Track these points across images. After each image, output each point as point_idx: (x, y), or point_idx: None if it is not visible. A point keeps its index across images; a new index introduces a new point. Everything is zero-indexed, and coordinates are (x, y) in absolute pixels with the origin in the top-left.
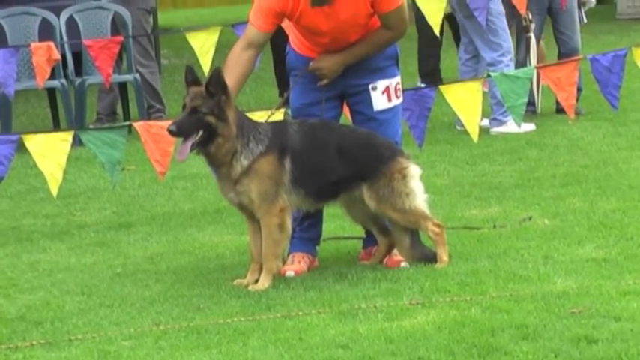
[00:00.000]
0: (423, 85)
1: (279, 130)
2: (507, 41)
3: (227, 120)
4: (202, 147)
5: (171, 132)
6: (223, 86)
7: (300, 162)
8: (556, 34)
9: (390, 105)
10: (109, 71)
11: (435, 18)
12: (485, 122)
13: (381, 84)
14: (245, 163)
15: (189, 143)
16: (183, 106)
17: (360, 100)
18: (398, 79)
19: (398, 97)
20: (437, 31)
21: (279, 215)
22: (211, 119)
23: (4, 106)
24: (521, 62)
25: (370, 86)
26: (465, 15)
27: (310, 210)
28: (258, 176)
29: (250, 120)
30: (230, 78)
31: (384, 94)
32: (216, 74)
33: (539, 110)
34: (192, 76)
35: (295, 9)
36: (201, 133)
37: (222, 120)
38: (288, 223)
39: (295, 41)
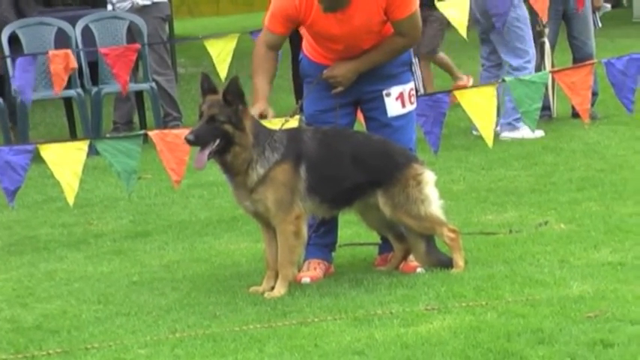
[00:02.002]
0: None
1: (294, 138)
2: (532, 47)
3: (244, 129)
4: (219, 155)
5: (189, 141)
6: (240, 95)
7: (316, 169)
8: (570, 39)
9: (404, 111)
10: (126, 79)
11: (460, 22)
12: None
13: (395, 90)
14: (261, 171)
15: (207, 152)
16: (201, 115)
17: (374, 106)
18: (412, 85)
19: (412, 103)
20: (464, 34)
21: (294, 222)
22: (229, 128)
23: (22, 115)
24: (535, 67)
25: (384, 92)
26: (491, 24)
27: (325, 217)
28: (274, 184)
29: (265, 127)
30: (262, 79)
31: (397, 100)
32: (234, 83)
33: (555, 115)
34: (208, 84)
35: (308, 15)
36: (218, 141)
37: (240, 129)
38: (304, 231)
39: (309, 48)
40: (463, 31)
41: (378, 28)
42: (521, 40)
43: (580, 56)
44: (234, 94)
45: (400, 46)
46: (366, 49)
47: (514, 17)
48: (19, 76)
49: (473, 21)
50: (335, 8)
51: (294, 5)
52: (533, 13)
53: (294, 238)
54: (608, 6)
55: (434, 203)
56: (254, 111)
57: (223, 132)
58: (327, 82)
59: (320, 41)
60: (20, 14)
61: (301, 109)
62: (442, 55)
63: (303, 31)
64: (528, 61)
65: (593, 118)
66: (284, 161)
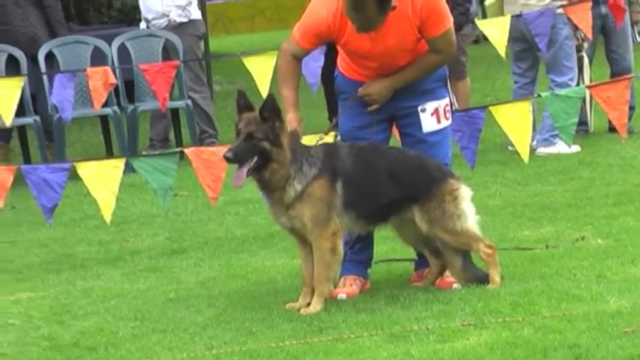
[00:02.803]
0: None
1: (331, 153)
2: (575, 64)
3: (282, 145)
4: (257, 173)
5: (227, 159)
6: (277, 111)
7: (352, 185)
8: (608, 53)
9: (440, 127)
10: (165, 95)
11: (500, 41)
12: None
13: (430, 106)
14: (299, 187)
15: (245, 169)
16: (238, 132)
17: (409, 122)
18: (447, 100)
19: (447, 118)
20: (502, 53)
21: (331, 239)
22: (266, 145)
23: (59, 133)
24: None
25: (419, 108)
26: (534, 44)
27: (361, 232)
28: (311, 200)
29: (301, 144)
30: (289, 88)
31: (433, 116)
32: (271, 100)
33: (591, 129)
34: (244, 102)
35: (342, 33)
36: (256, 159)
37: (277, 145)
38: (341, 247)
39: (344, 65)
40: (502, 50)
41: (413, 46)
42: (569, 58)
43: (618, 70)
44: (271, 111)
45: (435, 63)
46: (401, 66)
47: (564, 35)
48: (58, 93)
49: (513, 40)
50: (368, 29)
51: (327, 24)
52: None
53: (330, 255)
54: None
55: (470, 218)
56: (287, 120)
57: (261, 149)
58: (362, 99)
59: (355, 59)
60: (51, 32)
61: (336, 126)
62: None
63: (339, 47)
64: (572, 79)
65: (630, 132)
66: (321, 177)
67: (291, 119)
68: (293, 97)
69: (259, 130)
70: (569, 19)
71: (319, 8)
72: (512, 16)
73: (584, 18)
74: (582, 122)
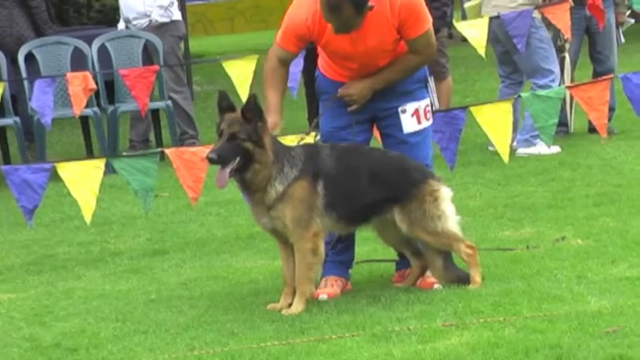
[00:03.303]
0: None
1: (312, 154)
2: (557, 67)
3: (264, 146)
4: (239, 173)
5: (211, 159)
6: (260, 112)
7: (333, 186)
8: (593, 53)
9: (420, 127)
10: (145, 100)
11: (479, 42)
12: (514, 143)
13: (411, 107)
14: (280, 188)
15: (228, 170)
16: (220, 133)
17: (390, 123)
18: (427, 101)
19: (428, 119)
20: (482, 53)
21: (312, 240)
22: (249, 145)
23: (39, 135)
24: None
25: (400, 109)
26: (513, 46)
27: (342, 233)
28: (293, 201)
29: (283, 144)
30: (273, 92)
31: (413, 117)
32: (253, 100)
33: (572, 130)
34: (226, 102)
35: (321, 35)
36: (238, 159)
37: (260, 146)
38: (322, 248)
39: (324, 66)
40: (482, 51)
41: (393, 47)
42: (546, 61)
43: (601, 70)
44: (253, 112)
45: (415, 64)
46: (382, 67)
47: (537, 38)
48: (38, 98)
49: (491, 40)
50: (347, 30)
51: (306, 25)
52: (555, 29)
53: (311, 256)
54: (632, 21)
55: (450, 219)
56: (269, 122)
57: (244, 150)
58: (343, 99)
59: (335, 59)
60: (38, 32)
61: (317, 127)
62: (449, 82)
63: (319, 48)
64: (553, 80)
65: (610, 133)
66: (302, 178)
67: (269, 124)
68: (276, 101)
69: (242, 131)
70: (547, 20)
71: (299, 9)
72: (491, 18)
73: (562, 18)
74: (562, 123)
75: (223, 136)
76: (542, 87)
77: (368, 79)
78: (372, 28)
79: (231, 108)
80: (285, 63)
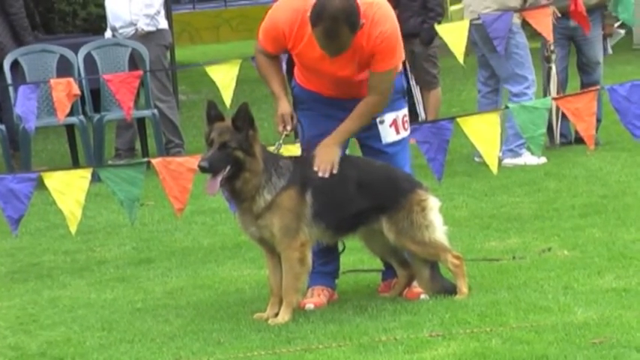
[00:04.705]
0: None
1: (300, 163)
2: (532, 73)
3: (255, 155)
4: (228, 182)
5: (202, 168)
6: (251, 120)
7: (321, 195)
8: (580, 65)
9: (398, 137)
10: (129, 105)
11: (458, 47)
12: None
13: (389, 117)
14: (268, 197)
15: (219, 178)
16: (211, 142)
17: (368, 134)
18: (405, 111)
19: (406, 129)
20: (461, 60)
21: (300, 249)
22: (240, 154)
23: (24, 143)
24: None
25: (378, 120)
26: (490, 48)
27: (330, 243)
28: (280, 210)
29: (271, 153)
30: (276, 84)
31: (391, 127)
32: (244, 109)
33: (557, 142)
34: (215, 112)
35: (295, 47)
36: (229, 168)
37: (251, 155)
38: (309, 258)
39: (299, 75)
40: (460, 57)
41: (366, 65)
42: (520, 67)
43: (588, 81)
44: (245, 120)
45: (372, 108)
46: (354, 81)
47: (513, 44)
48: (22, 104)
49: (471, 43)
50: (339, 53)
51: (283, 32)
52: (541, 39)
53: (299, 265)
54: (622, 32)
55: (438, 229)
56: (279, 111)
57: (235, 158)
58: (321, 105)
59: (309, 71)
60: (17, 40)
61: (296, 135)
62: (439, 92)
63: (294, 57)
64: (528, 87)
65: (596, 144)
66: (290, 187)
67: (283, 108)
68: (282, 90)
69: (233, 140)
70: (528, 24)
71: (280, 14)
72: (471, 21)
73: (543, 22)
74: (561, 134)
75: (214, 144)
76: (517, 95)
77: (330, 139)
78: (349, 52)
79: (220, 117)
80: (271, 57)
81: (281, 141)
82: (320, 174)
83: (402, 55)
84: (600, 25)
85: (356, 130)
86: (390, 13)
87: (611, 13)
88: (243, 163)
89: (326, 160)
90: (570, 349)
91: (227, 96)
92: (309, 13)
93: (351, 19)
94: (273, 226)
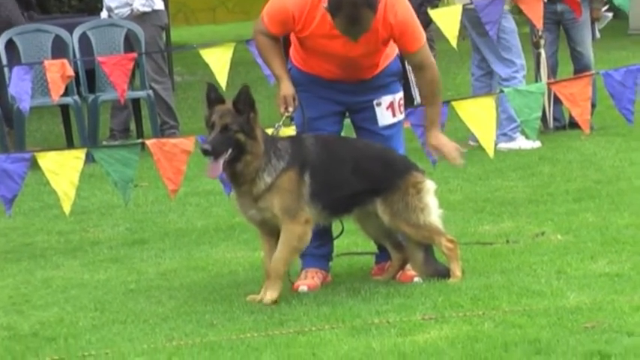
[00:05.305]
0: None
1: (298, 145)
2: (520, 58)
3: (256, 137)
4: (229, 165)
5: (205, 151)
6: (252, 103)
7: (319, 176)
8: (570, 50)
9: (395, 120)
10: (123, 87)
11: (451, 31)
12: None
13: (386, 100)
14: (268, 180)
15: (222, 161)
16: (212, 125)
17: (365, 116)
18: (401, 94)
19: (401, 112)
20: (454, 44)
21: (303, 225)
22: (241, 137)
23: (19, 123)
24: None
25: (375, 102)
26: (478, 32)
27: (325, 224)
28: (280, 192)
29: (269, 136)
30: (278, 64)
31: (388, 110)
32: (245, 91)
33: (551, 126)
34: (215, 94)
35: (304, 30)
36: (230, 150)
37: (252, 137)
38: (309, 235)
39: (298, 59)
40: (454, 41)
41: (376, 49)
42: (507, 51)
43: (579, 67)
44: (246, 103)
45: (433, 81)
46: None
47: (500, 29)
48: (16, 85)
49: (463, 26)
50: (359, 36)
51: (293, 15)
52: (530, 25)
53: (298, 240)
54: (610, 15)
55: (433, 212)
56: (282, 92)
57: (236, 141)
58: (317, 88)
59: (314, 54)
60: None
61: (292, 118)
62: None
63: (292, 38)
64: (516, 71)
65: (590, 129)
66: (290, 168)
67: (285, 89)
68: (283, 70)
69: (234, 122)
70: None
71: None
72: (464, 6)
73: (534, 8)
74: (555, 118)
75: (216, 127)
76: (506, 79)
77: (435, 130)
78: (364, 36)
79: (221, 100)
80: (272, 38)
81: (281, 122)
82: (457, 162)
83: (422, 30)
84: (588, 9)
85: (440, 107)
86: None
87: None
88: (244, 145)
89: (450, 146)
90: (562, 333)
91: (222, 79)
92: (325, 4)
93: (369, 1)
94: (274, 207)
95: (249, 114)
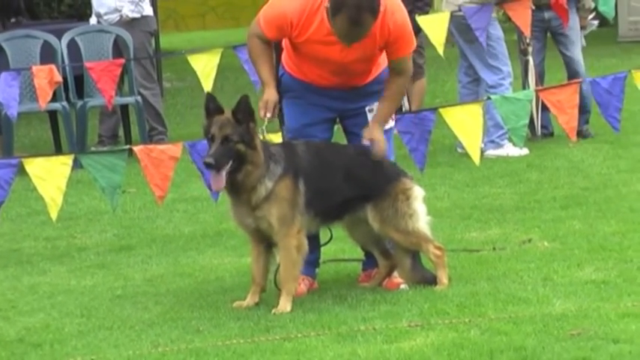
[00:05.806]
0: None
1: (290, 152)
2: (507, 65)
3: (256, 147)
4: (230, 175)
5: (208, 165)
6: (251, 113)
7: (312, 183)
8: (561, 55)
9: (385, 127)
10: (111, 93)
11: (438, 38)
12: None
13: (377, 106)
14: (270, 185)
15: (224, 172)
16: (211, 136)
17: (356, 122)
18: None
19: (392, 119)
20: (440, 51)
21: (297, 236)
22: (242, 147)
23: (7, 129)
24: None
25: (367, 109)
26: (465, 39)
27: (314, 231)
28: (278, 200)
29: (263, 141)
30: (267, 70)
31: None
32: (244, 101)
33: (539, 133)
34: (214, 104)
35: (301, 36)
36: (231, 162)
37: (252, 147)
38: (305, 244)
39: (291, 65)
40: (440, 48)
41: (371, 55)
42: (494, 58)
43: (570, 74)
44: (245, 113)
45: (402, 86)
46: (356, 71)
47: (487, 36)
48: (4, 91)
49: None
50: (357, 40)
51: (291, 21)
52: (517, 32)
53: (296, 252)
54: (595, 22)
55: (422, 219)
56: (265, 97)
57: (237, 152)
58: (309, 94)
59: (308, 61)
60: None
61: (282, 124)
62: (423, 83)
63: (285, 44)
64: (503, 78)
65: (585, 136)
66: (286, 176)
67: (269, 95)
68: (271, 76)
69: (234, 133)
70: (511, 22)
71: (287, 1)
72: (451, 13)
73: (522, 15)
74: (542, 125)
75: (216, 139)
76: (493, 87)
77: (375, 123)
78: (361, 42)
79: (220, 110)
80: (266, 42)
81: (264, 127)
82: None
83: (414, 38)
84: (576, 16)
85: (394, 111)
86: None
87: (584, 5)
88: (245, 156)
89: (380, 145)
90: (548, 340)
91: (207, 85)
92: (327, 3)
93: (372, 5)
94: (272, 216)
95: (248, 124)
